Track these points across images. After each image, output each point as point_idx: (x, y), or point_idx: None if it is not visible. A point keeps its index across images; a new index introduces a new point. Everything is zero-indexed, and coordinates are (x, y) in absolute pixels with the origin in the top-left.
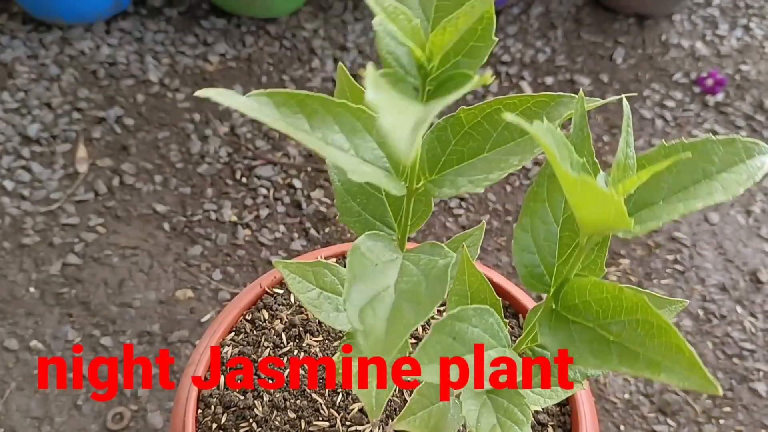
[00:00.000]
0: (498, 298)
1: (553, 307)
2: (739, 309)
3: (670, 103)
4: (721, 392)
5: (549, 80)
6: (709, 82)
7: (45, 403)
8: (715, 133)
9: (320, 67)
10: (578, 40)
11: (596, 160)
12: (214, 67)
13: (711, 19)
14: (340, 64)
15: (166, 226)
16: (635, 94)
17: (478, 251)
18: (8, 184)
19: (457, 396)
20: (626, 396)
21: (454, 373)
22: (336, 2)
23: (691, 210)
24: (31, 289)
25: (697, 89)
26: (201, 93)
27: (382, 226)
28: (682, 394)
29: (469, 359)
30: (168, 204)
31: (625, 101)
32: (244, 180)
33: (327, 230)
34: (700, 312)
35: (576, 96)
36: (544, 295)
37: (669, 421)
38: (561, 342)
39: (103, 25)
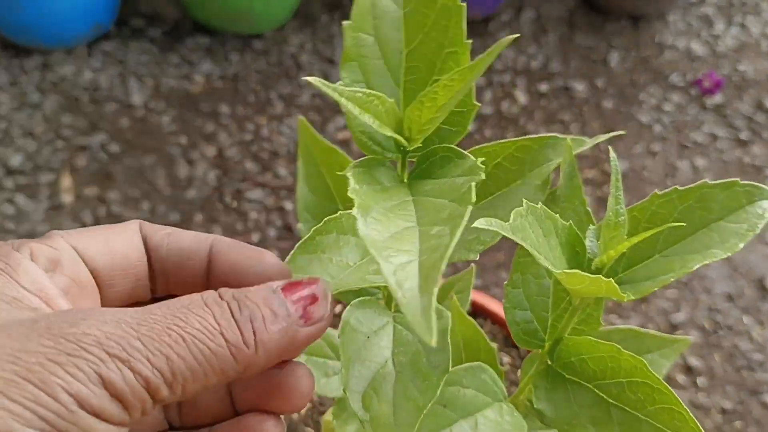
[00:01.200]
0: (492, 346)
1: (549, 363)
2: (746, 319)
3: (667, 107)
4: None
5: (543, 87)
6: (707, 83)
7: None
8: (715, 135)
9: (309, 83)
10: (571, 44)
11: (588, 209)
12: (200, 87)
13: (706, 18)
14: (301, 118)
15: None
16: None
17: (470, 297)
18: None
19: None
20: None
21: None
22: (323, 15)
23: (687, 270)
24: None
25: (694, 91)
26: (310, 79)
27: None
28: (692, 409)
29: (463, 424)
30: None
31: (612, 153)
32: (234, 204)
33: None
34: (707, 323)
35: (559, 136)
36: None
37: None
38: (559, 406)
39: (85, 48)
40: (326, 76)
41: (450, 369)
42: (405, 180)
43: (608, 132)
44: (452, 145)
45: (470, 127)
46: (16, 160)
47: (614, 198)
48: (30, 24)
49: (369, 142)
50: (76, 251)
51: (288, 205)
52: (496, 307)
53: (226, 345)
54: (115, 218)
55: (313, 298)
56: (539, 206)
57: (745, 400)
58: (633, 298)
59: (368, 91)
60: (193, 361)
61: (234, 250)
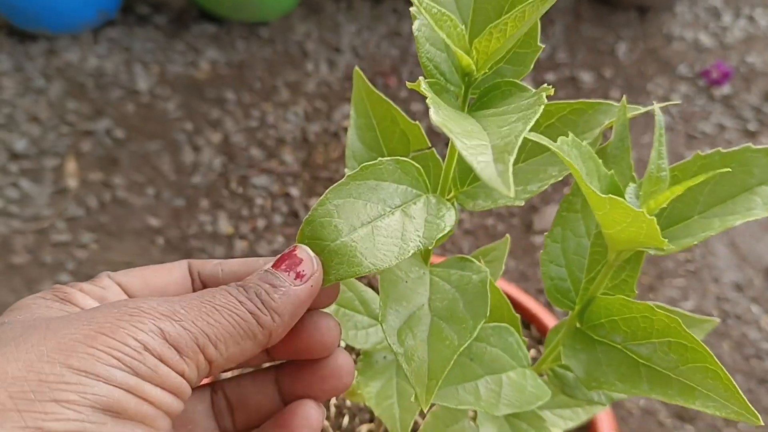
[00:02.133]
0: (516, 314)
1: (578, 326)
2: (754, 308)
3: (675, 97)
4: (761, 422)
5: (550, 77)
6: (715, 74)
7: None
8: (722, 126)
9: (314, 71)
10: (578, 35)
11: (634, 174)
12: (205, 74)
13: (713, 10)
14: (356, 68)
15: (161, 240)
16: (654, 97)
17: (503, 267)
18: None
19: (473, 418)
20: (642, 402)
21: (471, 396)
22: (328, 4)
23: (728, 227)
24: None
25: (702, 82)
26: None
27: None
28: None
29: (488, 380)
30: (162, 217)
31: (657, 110)
32: (239, 190)
33: None
34: (715, 312)
35: (614, 104)
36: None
37: (687, 426)
38: (586, 364)
39: (91, 34)
40: (333, 64)
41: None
42: (465, 111)
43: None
44: (515, 80)
45: None
46: (20, 145)
47: (657, 152)
48: (36, 10)
49: (435, 71)
50: (121, 287)
51: (293, 192)
52: (508, 288)
53: (249, 313)
54: (120, 203)
55: (299, 260)
56: (585, 144)
57: (754, 389)
58: (674, 249)
59: (444, 10)
60: (228, 325)
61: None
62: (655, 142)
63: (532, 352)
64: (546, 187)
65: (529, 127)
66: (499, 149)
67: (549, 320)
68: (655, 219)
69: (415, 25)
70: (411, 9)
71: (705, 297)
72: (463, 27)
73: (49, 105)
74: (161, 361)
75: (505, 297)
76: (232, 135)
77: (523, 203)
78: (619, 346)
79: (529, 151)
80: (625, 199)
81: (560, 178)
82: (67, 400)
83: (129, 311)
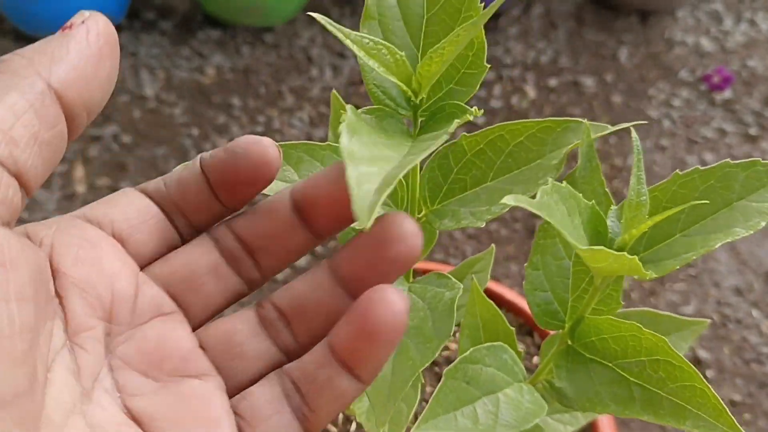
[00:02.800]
0: (511, 328)
1: (569, 343)
2: (755, 312)
3: (676, 102)
4: None
5: (553, 82)
6: (716, 79)
7: None
8: (724, 131)
9: (319, 76)
10: (580, 39)
11: (607, 190)
12: (211, 79)
13: (715, 15)
14: (333, 91)
15: None
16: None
17: (488, 277)
18: None
19: None
20: None
21: (469, 421)
22: (333, 9)
23: (709, 248)
24: None
25: (703, 87)
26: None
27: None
28: None
29: (485, 401)
30: None
31: (634, 134)
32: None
33: (332, 245)
34: (716, 316)
35: (582, 121)
36: None
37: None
38: (579, 385)
39: None
40: (337, 70)
41: (447, 339)
42: (415, 136)
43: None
44: (458, 102)
45: (480, 121)
46: None
47: (636, 178)
48: (43, 15)
49: (383, 96)
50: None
51: None
52: (511, 295)
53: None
54: None
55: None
56: (564, 185)
57: (754, 393)
58: (655, 276)
59: (377, 40)
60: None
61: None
62: (634, 168)
63: (535, 359)
64: (507, 209)
65: (420, 158)
66: (388, 179)
67: None
68: (636, 257)
69: (348, 42)
70: (346, 42)
71: (706, 301)
72: (403, 54)
73: None
74: None
75: (498, 311)
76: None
77: (483, 224)
78: (610, 365)
79: (498, 169)
80: (607, 224)
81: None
82: None
83: None
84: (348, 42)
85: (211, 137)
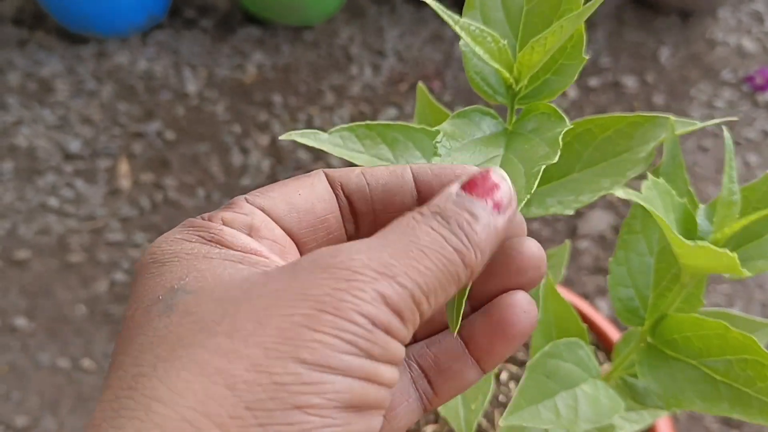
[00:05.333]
0: (584, 325)
1: (649, 340)
2: None
3: (718, 103)
4: None
5: (593, 82)
6: (759, 79)
7: None
8: (767, 133)
9: (359, 75)
10: (621, 39)
11: (690, 189)
12: (252, 77)
13: (757, 15)
14: (420, 84)
15: None
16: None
17: (562, 273)
18: (53, 202)
19: (546, 429)
20: None
21: (552, 414)
22: (371, 7)
23: None
24: (80, 308)
25: (745, 87)
26: (284, 137)
27: None
28: None
29: (564, 396)
30: None
31: (726, 132)
32: None
33: None
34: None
35: (670, 117)
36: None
37: (734, 431)
38: (665, 382)
39: (139, 37)
40: (377, 68)
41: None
42: (510, 126)
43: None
44: (552, 105)
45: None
46: (75, 146)
47: (728, 176)
48: (86, 13)
49: (482, 83)
50: (264, 212)
51: None
52: (572, 298)
53: (455, 251)
54: (171, 204)
55: (494, 185)
56: (661, 181)
57: None
58: (750, 274)
59: (483, 27)
60: (438, 271)
61: (438, 173)
62: (726, 165)
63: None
64: (596, 198)
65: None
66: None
67: (606, 327)
68: (736, 255)
69: (462, 41)
70: (454, 27)
71: (751, 303)
72: (505, 42)
73: (101, 107)
74: (389, 334)
75: (573, 309)
76: (279, 138)
77: (572, 212)
78: (694, 363)
79: (585, 161)
80: (697, 224)
81: (611, 191)
82: (310, 404)
83: (343, 275)
84: (457, 28)
85: (253, 134)
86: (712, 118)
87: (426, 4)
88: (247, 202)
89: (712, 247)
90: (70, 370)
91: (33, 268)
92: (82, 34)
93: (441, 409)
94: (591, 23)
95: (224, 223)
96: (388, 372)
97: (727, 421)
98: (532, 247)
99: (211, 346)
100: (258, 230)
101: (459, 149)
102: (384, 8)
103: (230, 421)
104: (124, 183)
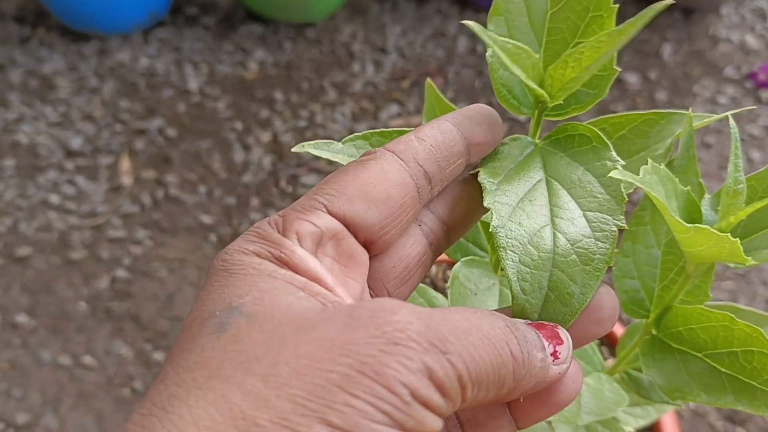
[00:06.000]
0: None
1: (654, 332)
2: None
3: (722, 100)
4: None
5: None
6: (762, 76)
7: (101, 420)
8: None
9: (361, 72)
10: None
11: (701, 181)
12: (254, 74)
13: (760, 11)
14: (428, 80)
15: (213, 237)
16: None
17: None
18: (54, 198)
19: (549, 421)
20: (692, 404)
21: None
22: (373, 4)
23: None
24: (81, 304)
25: (749, 84)
26: (296, 149)
27: (475, 249)
28: None
29: None
30: (213, 215)
31: (732, 121)
32: (289, 189)
33: None
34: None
35: (685, 113)
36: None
37: (738, 429)
38: (669, 375)
39: (141, 35)
40: (379, 65)
41: None
42: (537, 140)
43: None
44: (593, 128)
45: (523, 117)
46: (76, 143)
47: (734, 165)
48: (88, 11)
49: (508, 96)
50: (343, 218)
51: None
52: None
53: (511, 357)
54: (173, 201)
55: (560, 339)
56: (662, 167)
57: None
58: (754, 263)
59: (518, 44)
60: (490, 366)
61: (470, 114)
62: (731, 155)
63: None
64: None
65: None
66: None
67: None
68: (738, 240)
69: (489, 52)
70: (487, 41)
71: (755, 299)
72: (538, 57)
73: (102, 104)
74: (427, 408)
75: None
76: (281, 134)
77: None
78: (699, 355)
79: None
80: (702, 213)
81: (630, 191)
82: None
83: (394, 338)
84: (496, 48)
85: (254, 131)
86: (716, 114)
87: (427, 1)
88: (326, 209)
89: (712, 230)
90: (71, 368)
91: (34, 265)
92: (84, 31)
93: None
94: None
95: (298, 237)
96: None
97: (731, 418)
98: (610, 299)
99: (245, 385)
100: (324, 246)
101: (503, 182)
102: (386, 5)
103: None
104: (126, 180)
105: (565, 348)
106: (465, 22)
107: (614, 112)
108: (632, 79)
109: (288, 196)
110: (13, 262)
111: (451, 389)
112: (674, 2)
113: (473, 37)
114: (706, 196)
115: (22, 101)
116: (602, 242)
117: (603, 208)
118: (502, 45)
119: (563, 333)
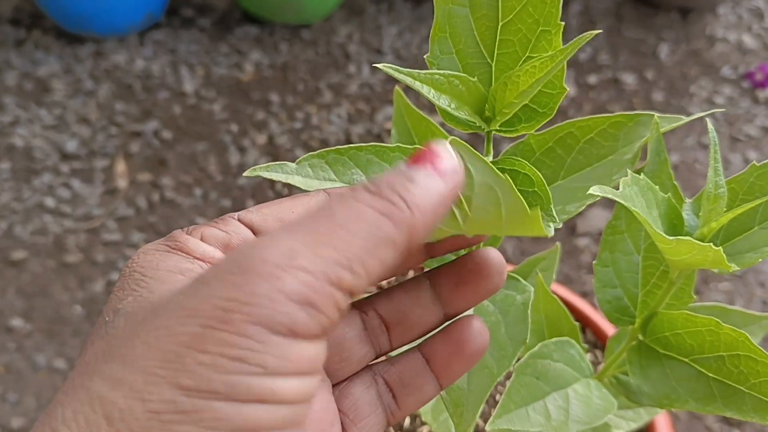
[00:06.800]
0: (575, 323)
1: (641, 338)
2: None
3: (718, 100)
4: None
5: (592, 79)
6: (759, 76)
7: None
8: (767, 129)
9: (356, 73)
10: (620, 36)
11: (675, 183)
12: (249, 76)
13: (757, 11)
14: (397, 87)
15: None
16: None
17: (554, 276)
18: (49, 202)
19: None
20: None
21: (542, 417)
22: (369, 6)
23: None
24: (77, 308)
25: (746, 84)
26: (248, 173)
27: (450, 256)
28: None
29: (555, 397)
30: (209, 217)
31: (709, 124)
32: (285, 192)
33: None
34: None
35: (653, 114)
36: None
37: (735, 431)
38: (656, 382)
39: (137, 37)
40: (374, 67)
41: (527, 342)
42: (488, 157)
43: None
44: (537, 172)
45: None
46: (71, 146)
47: (713, 170)
48: (83, 13)
49: (450, 117)
50: (252, 230)
51: None
52: (567, 295)
53: (379, 213)
54: (168, 203)
55: (435, 155)
56: (642, 177)
57: None
58: (737, 269)
59: (448, 72)
60: (360, 239)
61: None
62: (710, 160)
63: (589, 356)
64: (583, 207)
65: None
66: None
67: (604, 324)
68: (721, 249)
69: (417, 84)
70: (414, 86)
71: (751, 301)
72: (475, 80)
73: (98, 106)
74: (294, 336)
75: (564, 307)
76: (277, 136)
77: (560, 225)
78: (686, 360)
79: (569, 167)
80: (683, 218)
81: (598, 198)
82: None
83: (237, 280)
84: (417, 85)
85: (250, 133)
86: (712, 114)
87: (423, 2)
88: (238, 218)
89: (695, 241)
90: (66, 372)
91: (29, 268)
92: (80, 33)
93: (432, 423)
94: (590, 20)
95: (202, 238)
96: (291, 386)
97: (727, 420)
98: (494, 256)
99: (105, 372)
100: (233, 249)
101: None
102: (382, 6)
103: None
104: (121, 183)
105: (447, 160)
106: (378, 65)
107: (611, 112)
108: (629, 79)
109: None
110: (8, 266)
111: (320, 296)
112: (667, 3)
113: None
114: (687, 201)
115: (18, 104)
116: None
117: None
118: (425, 79)
119: (439, 146)
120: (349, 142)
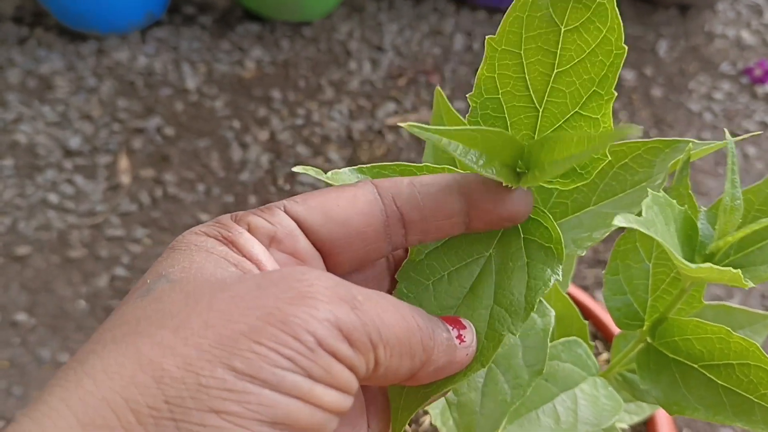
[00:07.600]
0: (585, 321)
1: (649, 340)
2: None
3: (717, 95)
4: None
5: None
6: (758, 72)
7: None
8: (766, 124)
9: (358, 70)
10: None
11: (690, 192)
12: (251, 73)
13: (756, 7)
14: (438, 88)
15: None
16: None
17: (570, 282)
18: (53, 198)
19: None
20: None
21: (551, 419)
22: (370, 3)
23: None
24: (81, 303)
25: (744, 80)
26: (298, 169)
27: None
28: None
29: (564, 398)
30: (212, 213)
31: (728, 136)
32: (286, 187)
33: None
34: (760, 309)
35: (690, 140)
36: None
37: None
38: (666, 388)
39: (139, 34)
40: (376, 63)
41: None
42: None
43: (658, 120)
44: (557, 229)
45: None
46: (74, 142)
47: (730, 182)
48: (86, 11)
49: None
50: (298, 222)
51: None
52: (572, 290)
53: (418, 327)
54: (171, 199)
55: (462, 326)
56: (661, 194)
57: None
58: (752, 285)
59: (483, 128)
60: (400, 333)
61: (484, 182)
62: (728, 172)
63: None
64: (608, 233)
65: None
66: None
67: (605, 317)
68: (740, 272)
69: (444, 141)
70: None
71: (750, 295)
72: (535, 110)
73: (100, 103)
74: (334, 357)
75: (575, 306)
76: (278, 133)
77: (584, 252)
78: (696, 366)
79: (600, 193)
80: (698, 229)
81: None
82: (228, 411)
83: (302, 292)
84: (444, 141)
85: (252, 130)
86: (711, 110)
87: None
88: (284, 209)
89: (716, 267)
90: None
91: (33, 263)
92: (82, 31)
93: (441, 428)
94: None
95: (249, 229)
96: (329, 396)
97: None
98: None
99: (156, 337)
100: (279, 242)
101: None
102: (383, 3)
103: (146, 410)
104: (124, 179)
105: (469, 332)
106: (401, 124)
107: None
108: (628, 75)
109: (286, 194)
110: (12, 261)
111: (360, 342)
112: (666, 0)
113: (470, 34)
114: (702, 209)
115: (21, 101)
116: (488, 340)
117: (511, 308)
118: (457, 135)
119: (465, 321)
120: (350, 138)
